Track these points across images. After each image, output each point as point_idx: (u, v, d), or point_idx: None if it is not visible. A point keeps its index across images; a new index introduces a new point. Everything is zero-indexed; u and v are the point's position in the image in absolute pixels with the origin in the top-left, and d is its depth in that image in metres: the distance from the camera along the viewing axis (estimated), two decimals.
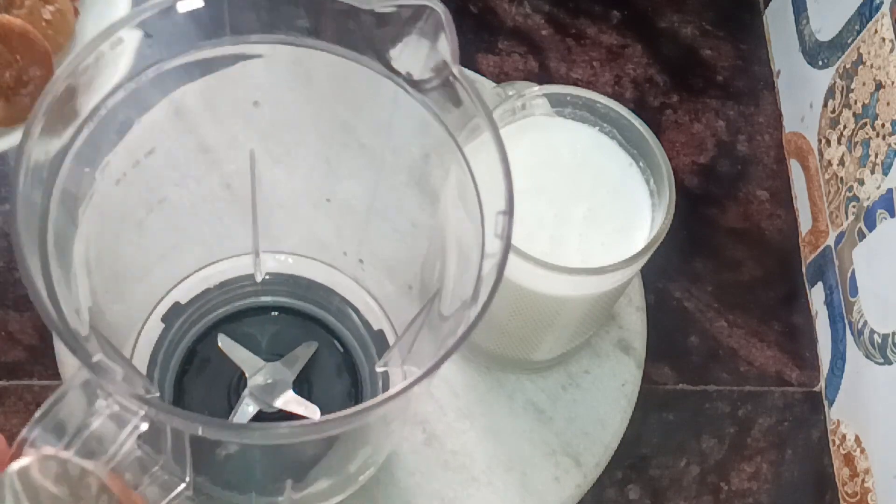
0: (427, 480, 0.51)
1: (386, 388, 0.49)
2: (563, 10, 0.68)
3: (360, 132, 0.45)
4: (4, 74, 0.47)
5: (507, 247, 0.33)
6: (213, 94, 0.41)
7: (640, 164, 0.48)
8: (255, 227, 0.49)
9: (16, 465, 0.30)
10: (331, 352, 0.51)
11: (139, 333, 0.50)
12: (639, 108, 0.65)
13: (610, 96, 0.48)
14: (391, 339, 0.51)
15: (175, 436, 0.36)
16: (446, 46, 0.35)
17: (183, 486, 0.42)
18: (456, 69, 0.35)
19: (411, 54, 0.36)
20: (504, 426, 0.53)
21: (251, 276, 0.52)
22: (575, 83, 0.66)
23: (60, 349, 0.52)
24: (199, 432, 0.32)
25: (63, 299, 0.33)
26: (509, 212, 0.33)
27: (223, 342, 0.50)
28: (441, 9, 0.34)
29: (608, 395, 0.54)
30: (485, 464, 0.52)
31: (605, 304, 0.50)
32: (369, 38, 0.37)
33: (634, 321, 0.56)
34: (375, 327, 0.51)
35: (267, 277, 0.52)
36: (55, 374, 0.53)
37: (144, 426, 0.32)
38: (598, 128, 0.49)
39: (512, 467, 0.52)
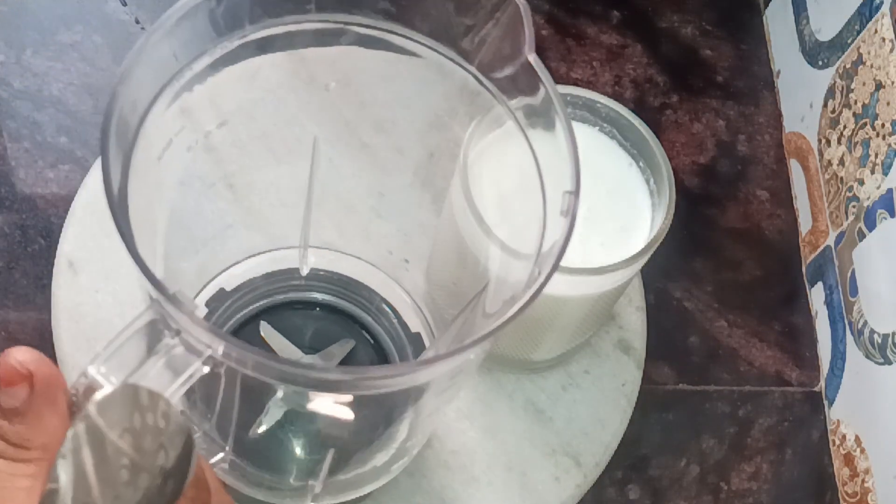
0: (427, 480, 0.51)
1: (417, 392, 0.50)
2: (563, 10, 0.68)
3: (419, 123, 0.46)
4: None
5: (572, 224, 0.34)
6: (291, 72, 0.42)
7: (640, 164, 0.48)
8: (306, 218, 0.49)
9: (99, 395, 0.29)
10: (367, 350, 0.51)
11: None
12: (639, 108, 0.65)
13: (610, 96, 0.48)
14: (428, 342, 0.51)
15: (227, 390, 0.36)
16: (523, 37, 0.35)
17: (222, 454, 0.42)
18: (532, 58, 0.35)
19: (486, 42, 0.37)
20: (504, 426, 0.53)
21: (296, 270, 0.52)
22: (575, 83, 0.66)
23: (60, 349, 0.52)
24: (251, 369, 0.32)
25: (142, 249, 0.33)
26: (576, 191, 0.35)
27: (265, 329, 0.50)
28: (521, 1, 0.35)
29: (608, 395, 0.54)
30: (485, 464, 0.52)
31: (605, 304, 0.50)
32: (447, 25, 0.38)
33: (634, 321, 0.56)
34: (413, 330, 0.52)
35: (311, 272, 0.52)
36: None
37: (206, 370, 0.32)
38: (598, 128, 0.49)
39: (512, 467, 0.52)
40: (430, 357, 0.33)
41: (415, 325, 0.52)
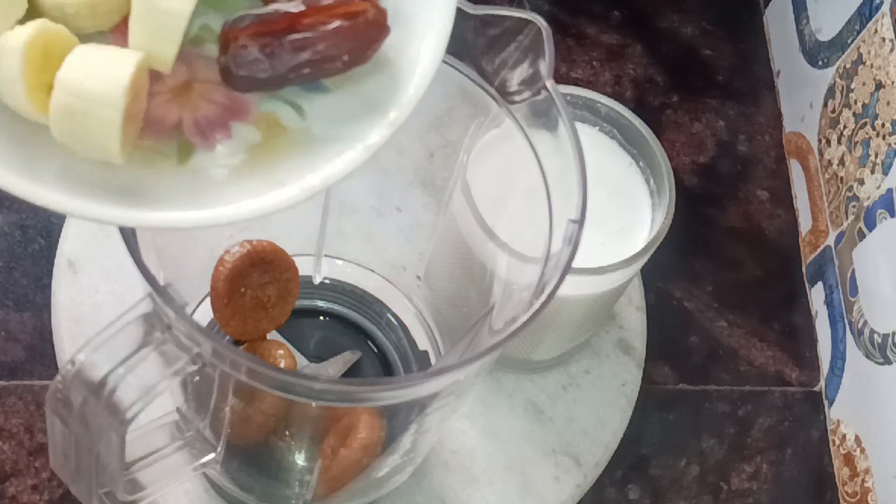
0: (427, 480, 0.51)
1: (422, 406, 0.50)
2: (563, 10, 0.68)
3: (435, 143, 0.46)
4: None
5: (574, 252, 0.35)
6: None
7: (640, 164, 0.48)
8: (322, 227, 0.49)
9: None
10: (372, 364, 0.51)
11: (191, 315, 0.50)
12: (639, 108, 0.65)
13: (610, 96, 0.48)
14: (434, 360, 0.51)
15: (220, 392, 0.36)
16: (544, 61, 0.35)
17: (213, 455, 0.42)
18: (550, 83, 0.36)
19: (507, 65, 0.37)
20: (504, 426, 0.53)
21: (308, 278, 0.52)
22: (575, 83, 0.66)
23: (60, 349, 0.52)
24: (245, 376, 0.32)
25: (143, 245, 0.33)
26: (580, 221, 0.35)
27: (270, 335, 0.50)
28: (544, 26, 0.35)
29: (608, 395, 0.54)
30: (485, 464, 0.52)
31: (605, 304, 0.50)
32: (469, 44, 0.38)
33: (634, 321, 0.56)
34: (421, 347, 0.52)
35: (324, 282, 0.52)
36: (55, 374, 0.52)
37: (191, 368, 0.32)
38: (598, 128, 0.49)
39: (512, 467, 0.52)
40: (432, 370, 0.33)
41: (423, 343, 0.52)
